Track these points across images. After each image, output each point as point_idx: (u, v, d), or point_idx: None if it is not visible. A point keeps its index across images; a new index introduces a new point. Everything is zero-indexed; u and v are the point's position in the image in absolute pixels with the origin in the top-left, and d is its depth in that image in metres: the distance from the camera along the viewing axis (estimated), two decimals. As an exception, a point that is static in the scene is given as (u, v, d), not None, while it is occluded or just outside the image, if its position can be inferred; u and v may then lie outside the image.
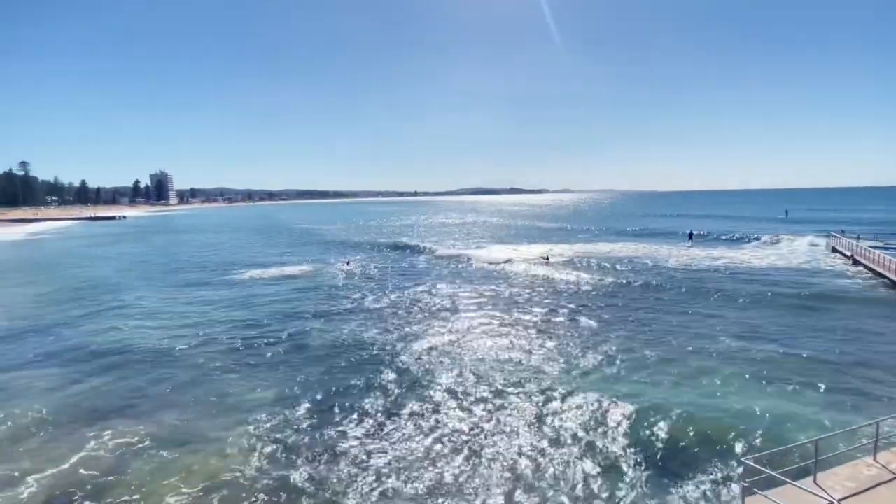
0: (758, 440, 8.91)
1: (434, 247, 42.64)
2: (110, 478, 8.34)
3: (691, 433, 9.26)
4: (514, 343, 14.89)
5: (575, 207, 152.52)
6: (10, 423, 10.29)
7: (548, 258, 33.64)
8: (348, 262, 33.63)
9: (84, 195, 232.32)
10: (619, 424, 9.68)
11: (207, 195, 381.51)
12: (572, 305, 19.95)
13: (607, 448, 8.94)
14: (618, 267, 29.23)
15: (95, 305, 22.09)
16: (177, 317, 19.38)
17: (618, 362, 13.23)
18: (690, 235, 46.03)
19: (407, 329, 16.77)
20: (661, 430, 9.41)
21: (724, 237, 46.29)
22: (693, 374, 12.22)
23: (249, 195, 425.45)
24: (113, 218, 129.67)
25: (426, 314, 18.55)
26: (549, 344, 14.95)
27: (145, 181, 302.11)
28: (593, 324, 16.92)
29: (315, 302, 21.62)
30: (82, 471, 8.54)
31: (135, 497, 7.84)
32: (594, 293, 22.30)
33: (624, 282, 24.56)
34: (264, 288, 25.20)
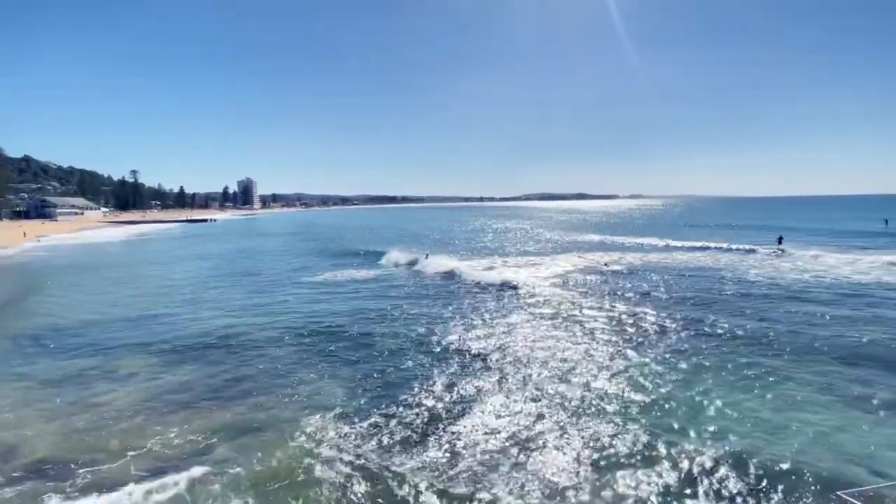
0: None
1: (494, 255, 42.09)
2: (197, 456, 8.64)
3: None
4: (558, 344, 13.90)
5: (647, 213, 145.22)
6: (112, 404, 10.96)
7: (607, 264, 32.06)
8: (427, 255, 34.64)
9: (182, 200, 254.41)
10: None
11: (287, 200, 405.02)
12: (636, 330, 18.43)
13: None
14: (687, 276, 26.77)
15: (186, 300, 23.41)
16: (259, 312, 20.05)
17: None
18: (780, 240, 42.18)
19: (471, 330, 16.28)
20: None
21: (816, 246, 41.41)
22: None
23: (324, 200, 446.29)
24: (206, 220, 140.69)
25: (490, 314, 18.05)
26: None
27: (233, 187, 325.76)
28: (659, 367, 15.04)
29: (390, 301, 21.71)
30: (167, 451, 8.87)
31: (217, 475, 8.03)
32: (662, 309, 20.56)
33: (694, 294, 22.48)
34: (339, 287, 25.72)
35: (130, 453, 8.87)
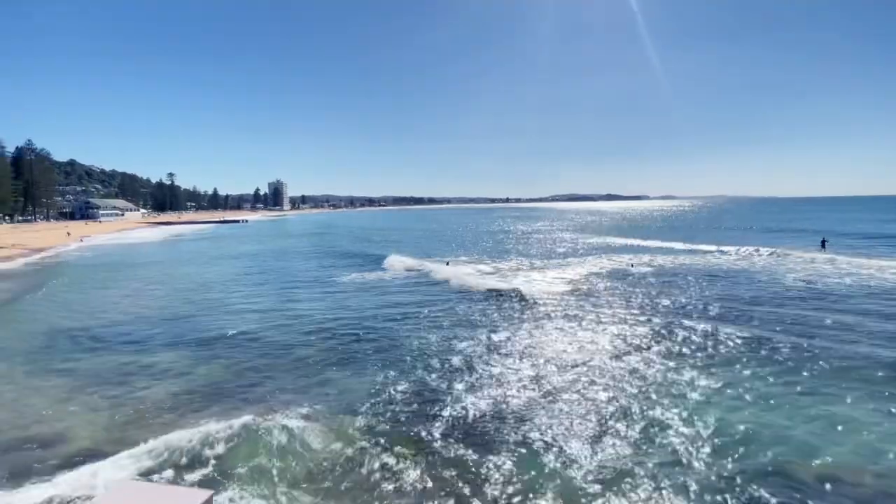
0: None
1: (515, 256, 41.66)
2: (228, 449, 8.83)
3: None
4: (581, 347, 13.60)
5: (679, 214, 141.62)
6: (149, 398, 11.32)
7: (633, 265, 31.72)
8: (447, 263, 34.01)
9: (216, 201, 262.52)
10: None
11: (315, 202, 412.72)
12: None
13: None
14: (719, 284, 25.78)
15: (217, 299, 24.04)
16: (285, 312, 20.39)
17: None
18: (823, 244, 40.31)
19: (494, 332, 16.17)
20: None
21: (865, 249, 39.42)
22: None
23: (351, 202, 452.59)
24: (238, 221, 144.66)
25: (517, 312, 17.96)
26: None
27: (264, 189, 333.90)
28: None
29: (414, 302, 21.82)
30: (200, 446, 9.08)
31: (248, 468, 8.19)
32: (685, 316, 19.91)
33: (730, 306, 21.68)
34: (366, 288, 25.95)
35: (166, 444, 9.13)
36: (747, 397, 10.88)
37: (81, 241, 66.71)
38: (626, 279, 26.59)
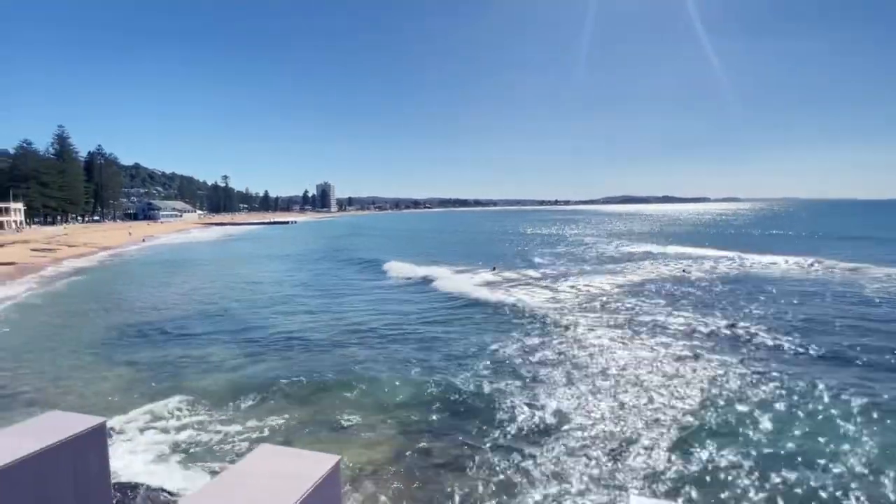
0: None
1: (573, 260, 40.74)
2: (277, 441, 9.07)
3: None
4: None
5: (742, 218, 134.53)
6: (204, 392, 11.83)
7: (686, 270, 30.93)
8: (494, 268, 33.69)
9: (266, 203, 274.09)
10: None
11: (361, 203, 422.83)
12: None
13: None
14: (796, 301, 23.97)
15: (266, 297, 25.05)
16: (329, 312, 20.89)
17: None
18: None
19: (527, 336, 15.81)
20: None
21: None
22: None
23: (396, 203, 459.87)
24: (286, 222, 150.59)
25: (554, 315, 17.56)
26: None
27: (312, 191, 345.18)
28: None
29: (461, 309, 21.76)
30: (251, 436, 9.38)
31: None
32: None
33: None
34: (407, 291, 26.20)
35: (220, 436, 9.51)
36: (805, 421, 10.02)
37: (143, 240, 71.33)
38: (681, 287, 25.24)
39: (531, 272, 32.08)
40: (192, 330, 18.18)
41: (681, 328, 16.77)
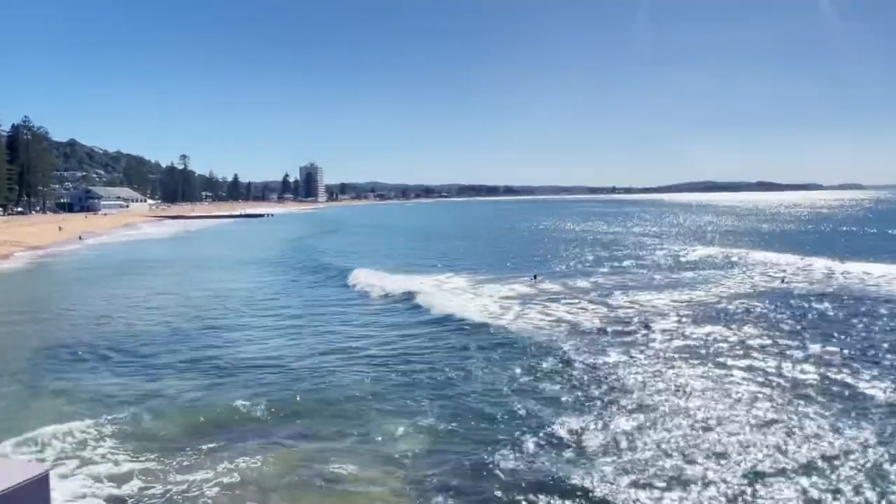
0: None
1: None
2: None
3: None
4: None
5: (870, 212, 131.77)
6: (157, 434, 12.06)
7: (784, 280, 31.22)
8: (535, 276, 33.88)
9: (236, 190, 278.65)
10: None
11: (358, 191, 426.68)
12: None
13: None
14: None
15: (236, 312, 25.73)
16: (308, 335, 21.35)
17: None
18: None
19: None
20: None
21: None
22: None
23: (403, 191, 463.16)
24: (261, 216, 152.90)
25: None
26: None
27: (295, 175, 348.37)
28: None
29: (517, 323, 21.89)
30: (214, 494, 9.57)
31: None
32: None
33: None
34: (393, 312, 26.36)
35: (177, 488, 9.72)
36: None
37: (81, 238, 73.24)
38: (780, 309, 24.50)
39: (579, 282, 32.08)
40: (143, 355, 18.61)
41: (794, 373, 15.69)
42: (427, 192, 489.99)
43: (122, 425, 12.40)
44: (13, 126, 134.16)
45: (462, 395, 14.12)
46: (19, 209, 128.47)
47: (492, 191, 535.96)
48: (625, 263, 41.07)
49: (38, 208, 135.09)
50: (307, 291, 31.77)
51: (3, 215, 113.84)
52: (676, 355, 17.06)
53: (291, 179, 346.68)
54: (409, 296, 27.83)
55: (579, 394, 13.84)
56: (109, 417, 12.79)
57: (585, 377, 15.04)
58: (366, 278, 33.42)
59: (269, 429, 12.33)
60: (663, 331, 20.22)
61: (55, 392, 14.86)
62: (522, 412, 12.76)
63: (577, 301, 26.39)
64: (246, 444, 11.46)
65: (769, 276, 33.08)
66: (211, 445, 11.36)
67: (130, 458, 10.87)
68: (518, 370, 15.72)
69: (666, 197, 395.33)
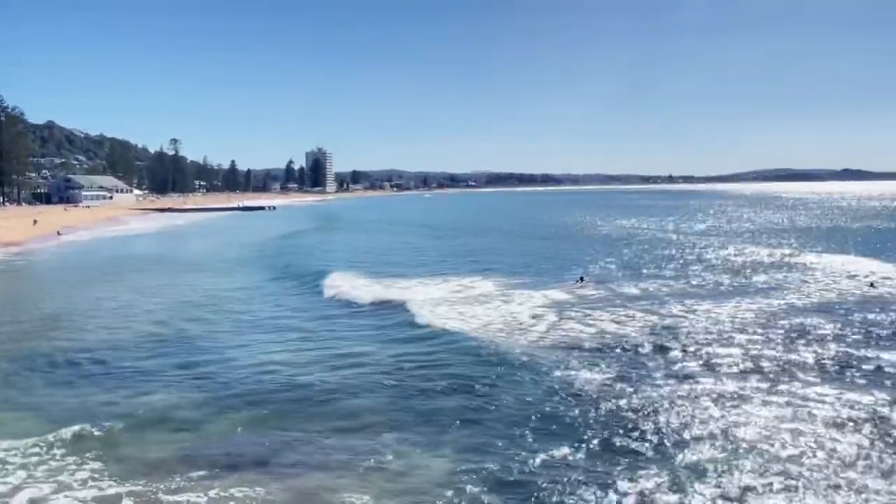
0: None
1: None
2: None
3: None
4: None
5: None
6: (144, 459, 12.26)
7: (872, 283, 31.35)
8: (581, 279, 34.11)
9: (233, 179, 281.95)
10: None
11: (372, 180, 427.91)
12: None
13: None
14: None
15: (235, 323, 26.15)
16: (318, 353, 21.45)
17: None
18: None
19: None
20: None
21: None
22: None
23: (425, 180, 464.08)
24: (262, 208, 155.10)
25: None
26: None
27: (300, 162, 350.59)
28: None
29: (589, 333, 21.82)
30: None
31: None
32: None
33: None
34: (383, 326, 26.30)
35: None
36: None
37: (59, 234, 74.88)
38: (872, 323, 23.89)
39: (628, 287, 31.83)
40: (127, 370, 18.98)
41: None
42: (452, 181, 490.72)
43: (104, 446, 12.69)
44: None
45: (479, 434, 13.56)
46: None
47: (527, 180, 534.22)
48: (683, 266, 40.59)
49: (11, 199, 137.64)
50: (301, 301, 31.81)
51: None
52: (746, 384, 16.16)
53: (296, 167, 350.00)
54: (418, 305, 27.75)
55: (631, 440, 12.95)
56: (87, 435, 13.10)
57: (633, 415, 14.18)
58: (362, 286, 33.26)
59: (269, 453, 12.44)
60: (728, 347, 19.86)
61: (27, 407, 15.24)
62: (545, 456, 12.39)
63: (623, 310, 26.15)
64: (243, 471, 11.58)
65: (856, 281, 32.54)
66: (202, 472, 11.48)
67: (116, 483, 11.07)
68: (543, 400, 15.23)
69: (732, 187, 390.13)
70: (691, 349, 19.70)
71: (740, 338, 20.93)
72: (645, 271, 38.61)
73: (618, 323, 23.86)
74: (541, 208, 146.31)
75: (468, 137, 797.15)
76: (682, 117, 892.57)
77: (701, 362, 18.28)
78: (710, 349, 19.53)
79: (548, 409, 14.58)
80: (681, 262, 42.67)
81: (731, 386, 15.90)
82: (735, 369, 17.50)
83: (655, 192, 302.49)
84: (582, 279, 33.84)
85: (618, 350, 19.89)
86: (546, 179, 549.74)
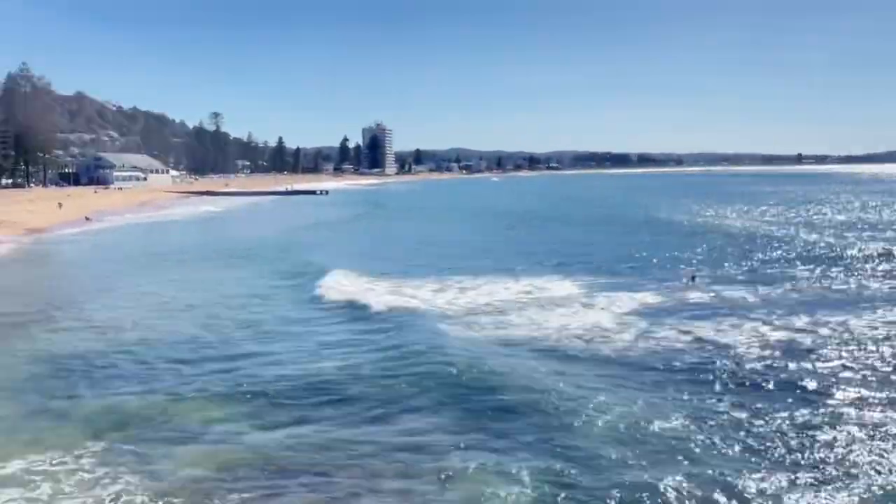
0: None
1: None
2: None
3: None
4: None
5: None
6: (176, 473, 12.49)
7: None
8: (693, 278, 33.79)
9: (280, 159, 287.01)
10: None
11: (438, 160, 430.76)
12: None
13: None
14: None
15: (282, 324, 26.73)
16: (371, 354, 21.70)
17: None
18: None
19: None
20: None
21: None
22: None
23: (499, 161, 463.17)
24: (313, 192, 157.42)
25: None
26: None
27: (356, 139, 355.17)
28: None
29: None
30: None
31: None
32: None
33: None
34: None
35: None
36: None
37: (87, 219, 78.23)
38: None
39: (742, 291, 30.77)
40: (162, 373, 19.65)
41: None
42: (531, 162, 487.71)
43: (138, 459, 13.00)
44: (8, 75, 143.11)
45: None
46: (15, 181, 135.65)
47: (620, 160, 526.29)
48: (816, 267, 39.02)
49: (37, 180, 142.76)
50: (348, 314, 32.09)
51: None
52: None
53: (351, 145, 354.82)
54: (489, 308, 27.89)
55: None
56: (117, 449, 13.44)
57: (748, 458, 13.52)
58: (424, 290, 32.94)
59: (320, 479, 12.46)
60: (869, 370, 18.84)
61: (54, 415, 15.72)
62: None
63: (732, 319, 25.12)
64: (287, 495, 11.74)
65: None
66: (243, 496, 11.66)
67: (150, 501, 11.33)
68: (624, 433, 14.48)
69: (879, 168, 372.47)
70: (821, 371, 18.59)
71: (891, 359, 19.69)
72: (769, 271, 37.40)
73: (719, 334, 22.89)
74: (637, 194, 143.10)
75: (549, 111, 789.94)
76: (812, 86, 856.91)
77: (832, 388, 17.10)
78: (847, 374, 18.27)
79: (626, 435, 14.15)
80: (814, 263, 40.89)
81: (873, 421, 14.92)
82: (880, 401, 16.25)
83: (779, 176, 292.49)
84: (694, 279, 33.51)
85: (720, 370, 18.85)
86: (643, 160, 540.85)
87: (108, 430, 14.69)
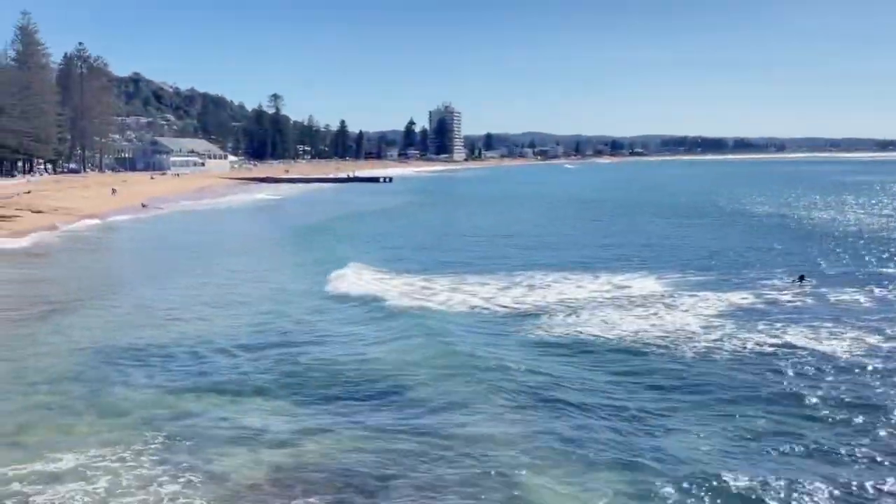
0: None
1: None
2: None
3: None
4: None
5: None
6: (232, 478, 12.79)
7: None
8: (802, 278, 33.10)
9: (342, 144, 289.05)
10: None
11: (510, 145, 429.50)
12: None
13: None
14: None
15: (345, 321, 27.20)
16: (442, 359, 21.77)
17: None
18: None
19: None
20: None
21: None
22: None
23: (577, 146, 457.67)
24: (377, 180, 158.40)
25: None
26: None
27: (422, 123, 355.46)
28: None
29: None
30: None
31: None
32: None
33: None
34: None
35: None
36: None
37: (144, 206, 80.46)
38: None
39: (852, 293, 29.93)
40: (223, 370, 20.21)
41: None
42: (613, 147, 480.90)
43: (195, 458, 13.44)
44: (65, 56, 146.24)
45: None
46: (71, 165, 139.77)
47: (714, 145, 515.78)
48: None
49: (93, 164, 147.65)
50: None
51: (53, 173, 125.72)
52: None
53: (417, 129, 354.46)
54: (562, 307, 27.89)
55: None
56: (178, 445, 13.95)
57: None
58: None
59: (378, 484, 12.66)
60: None
61: (114, 411, 16.36)
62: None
63: (834, 326, 24.31)
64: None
65: None
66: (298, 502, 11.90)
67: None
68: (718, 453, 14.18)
69: None
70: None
71: None
72: (874, 274, 35.85)
73: (815, 341, 22.23)
74: (734, 182, 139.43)
75: (634, 91, 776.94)
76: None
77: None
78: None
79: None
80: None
81: None
82: None
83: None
84: (802, 278, 32.70)
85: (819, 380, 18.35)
86: (740, 145, 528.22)
87: (166, 422, 15.34)
